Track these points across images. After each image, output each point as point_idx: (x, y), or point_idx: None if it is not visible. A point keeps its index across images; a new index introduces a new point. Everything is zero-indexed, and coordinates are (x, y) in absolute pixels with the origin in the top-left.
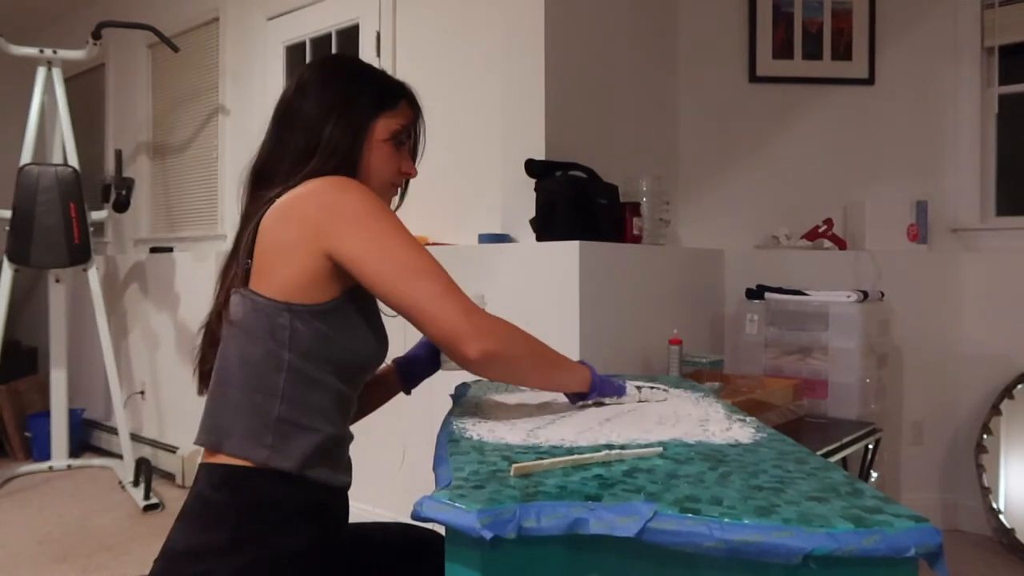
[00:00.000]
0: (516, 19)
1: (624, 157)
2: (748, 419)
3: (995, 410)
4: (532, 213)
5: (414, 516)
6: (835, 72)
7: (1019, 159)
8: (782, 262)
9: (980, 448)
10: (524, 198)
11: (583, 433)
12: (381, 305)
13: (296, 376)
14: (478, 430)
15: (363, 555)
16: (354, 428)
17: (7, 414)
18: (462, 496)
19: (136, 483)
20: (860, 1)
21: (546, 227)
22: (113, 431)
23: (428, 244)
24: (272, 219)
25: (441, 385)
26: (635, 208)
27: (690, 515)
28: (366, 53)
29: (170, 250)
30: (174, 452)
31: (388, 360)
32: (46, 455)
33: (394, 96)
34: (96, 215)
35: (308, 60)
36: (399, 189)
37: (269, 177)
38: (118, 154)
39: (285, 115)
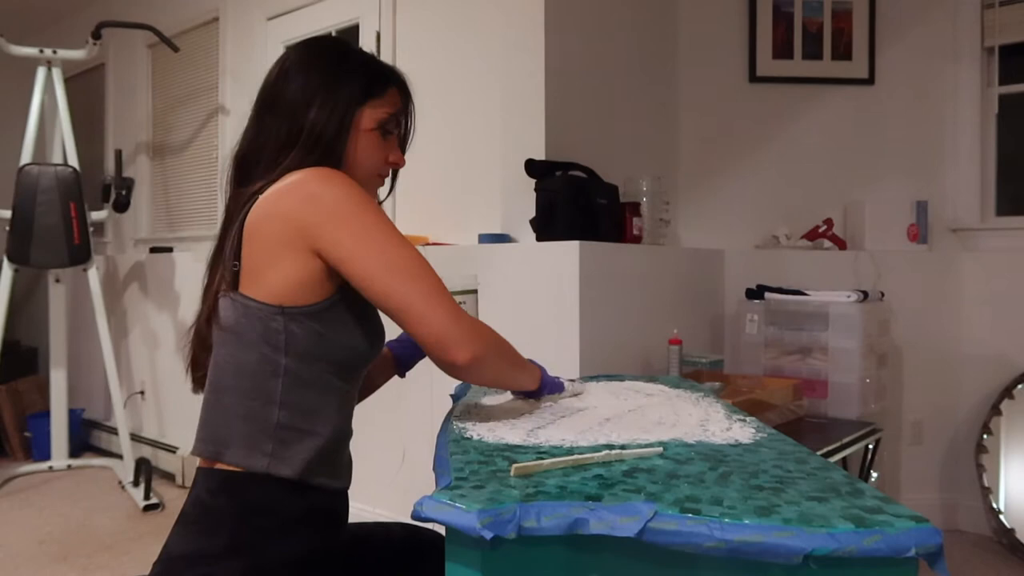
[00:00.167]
0: (516, 19)
1: (624, 157)
2: (748, 419)
3: (995, 410)
4: (532, 213)
5: (414, 516)
6: (835, 72)
7: (1019, 159)
8: (782, 262)
9: (980, 448)
10: (524, 198)
11: (583, 433)
12: None
13: (294, 380)
14: (478, 430)
15: (363, 555)
16: (354, 428)
17: (7, 414)
18: (462, 496)
19: (136, 483)
20: (860, 1)
21: (546, 227)
22: (113, 431)
23: (428, 244)
24: (256, 217)
25: (441, 385)
26: (635, 208)
27: (690, 515)
28: None
29: (170, 250)
30: (174, 452)
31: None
32: (46, 455)
33: (382, 82)
34: (96, 215)
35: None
36: (387, 179)
37: (251, 166)
38: (118, 154)
39: (267, 100)
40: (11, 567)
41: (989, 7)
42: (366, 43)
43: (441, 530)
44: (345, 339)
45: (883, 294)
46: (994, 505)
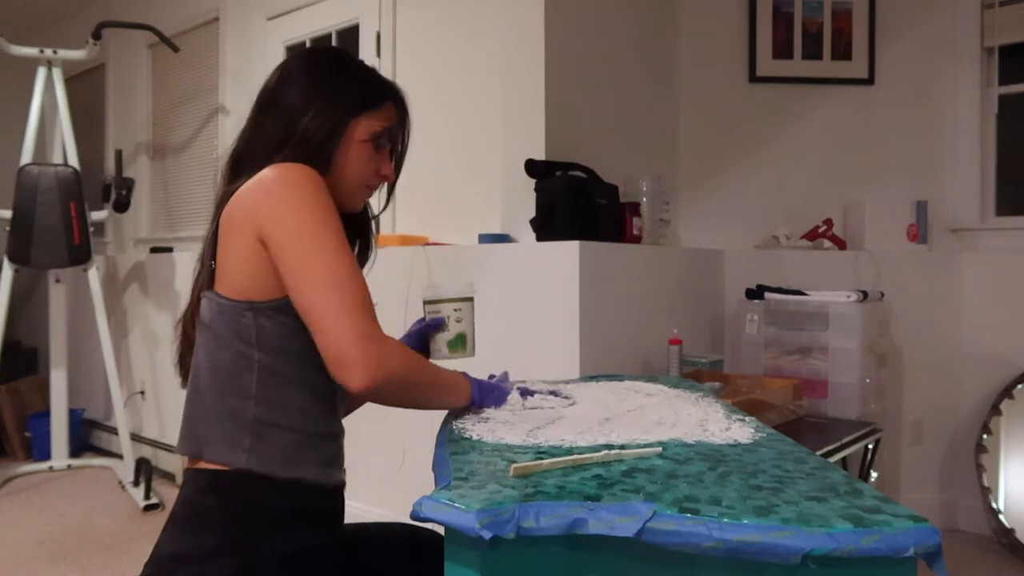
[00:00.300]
0: (516, 19)
1: (624, 157)
2: (748, 419)
3: (995, 410)
4: (532, 213)
5: (413, 516)
6: (835, 72)
7: (1019, 159)
8: (782, 262)
9: (980, 448)
10: (524, 198)
11: (582, 433)
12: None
13: (268, 375)
14: (478, 430)
15: (363, 555)
16: (354, 428)
17: (7, 414)
18: (461, 496)
19: (136, 483)
20: (860, 1)
21: (546, 227)
22: (113, 431)
23: (428, 244)
24: (227, 213)
25: None
26: (635, 208)
27: (689, 515)
28: (366, 53)
29: (170, 250)
30: (174, 452)
31: None
32: (46, 455)
33: (380, 96)
34: (96, 215)
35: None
36: (376, 191)
37: (243, 165)
38: (118, 154)
39: (266, 102)
40: (11, 567)
41: (989, 7)
42: (366, 43)
43: (440, 530)
44: None
45: (883, 294)
46: (994, 505)
